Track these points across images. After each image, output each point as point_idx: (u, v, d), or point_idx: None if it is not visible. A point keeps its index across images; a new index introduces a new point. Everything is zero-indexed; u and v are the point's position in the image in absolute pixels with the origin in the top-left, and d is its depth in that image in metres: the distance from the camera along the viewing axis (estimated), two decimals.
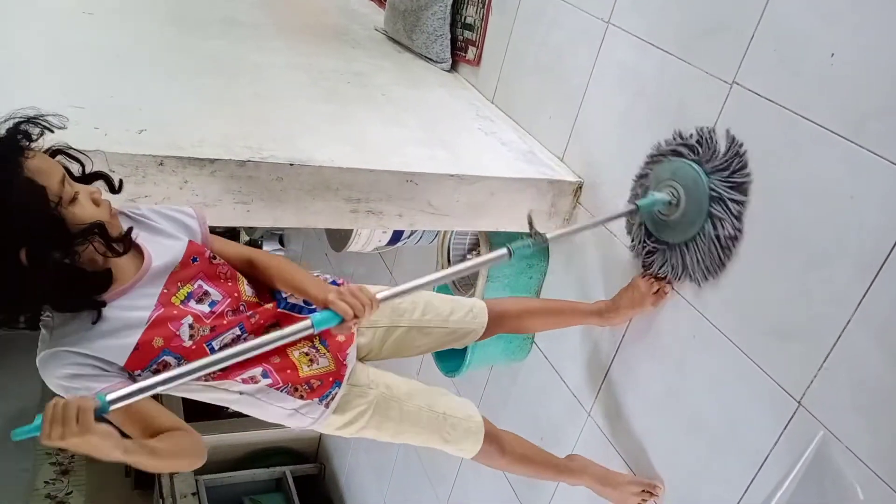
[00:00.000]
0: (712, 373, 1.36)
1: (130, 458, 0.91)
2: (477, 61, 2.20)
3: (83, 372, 1.00)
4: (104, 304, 1.02)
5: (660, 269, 1.43)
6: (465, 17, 2.26)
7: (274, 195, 1.42)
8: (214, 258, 1.18)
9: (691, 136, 1.37)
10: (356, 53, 2.27)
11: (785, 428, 1.21)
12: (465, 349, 1.75)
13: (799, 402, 1.18)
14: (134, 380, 1.02)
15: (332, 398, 1.23)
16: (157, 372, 1.04)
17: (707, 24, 1.37)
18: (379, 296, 1.09)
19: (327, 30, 2.47)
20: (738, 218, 1.28)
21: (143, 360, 1.04)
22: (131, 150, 1.29)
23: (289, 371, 1.18)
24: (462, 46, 2.29)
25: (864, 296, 1.09)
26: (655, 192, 1.39)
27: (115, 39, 1.85)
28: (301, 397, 1.19)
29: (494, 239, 1.81)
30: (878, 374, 1.07)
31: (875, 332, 1.07)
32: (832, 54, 1.14)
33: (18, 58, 1.58)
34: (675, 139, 1.42)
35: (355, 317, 1.04)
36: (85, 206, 0.99)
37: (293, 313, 1.21)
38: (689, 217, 1.34)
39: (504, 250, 1.20)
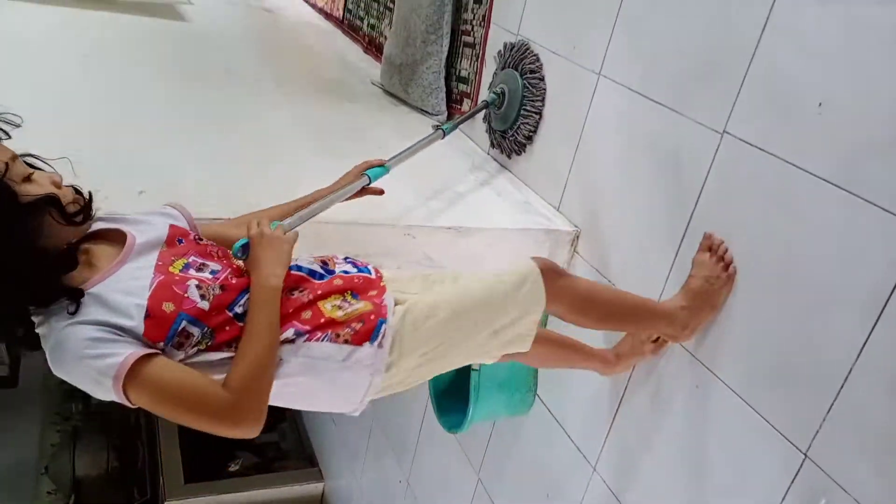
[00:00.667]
0: (718, 424, 1.34)
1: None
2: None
3: (106, 336, 0.94)
4: (81, 292, 0.98)
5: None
6: (460, 71, 2.30)
7: None
8: (201, 239, 1.16)
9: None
10: (354, 107, 2.31)
11: (792, 482, 1.18)
12: (465, 406, 1.74)
13: (805, 454, 1.16)
14: (164, 353, 0.99)
15: (383, 336, 1.12)
16: (180, 345, 1.00)
17: (696, 74, 1.39)
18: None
19: (326, 83, 2.52)
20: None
21: (160, 329, 0.98)
22: (130, 209, 1.29)
23: (323, 320, 1.11)
24: (457, 99, 2.33)
25: (866, 340, 1.08)
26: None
27: (113, 89, 1.90)
28: (346, 342, 1.10)
29: None
30: (883, 421, 1.05)
31: (879, 378, 1.06)
32: (819, 104, 1.15)
33: (12, 107, 1.60)
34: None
35: None
36: (42, 185, 0.99)
37: (309, 277, 1.17)
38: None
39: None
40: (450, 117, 2.36)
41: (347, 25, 3.32)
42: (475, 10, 2.19)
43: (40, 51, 2.10)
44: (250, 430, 1.01)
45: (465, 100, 2.27)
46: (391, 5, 2.74)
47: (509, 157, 2.00)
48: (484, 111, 2.06)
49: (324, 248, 1.46)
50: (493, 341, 1.21)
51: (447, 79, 2.34)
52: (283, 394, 1.09)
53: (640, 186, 1.52)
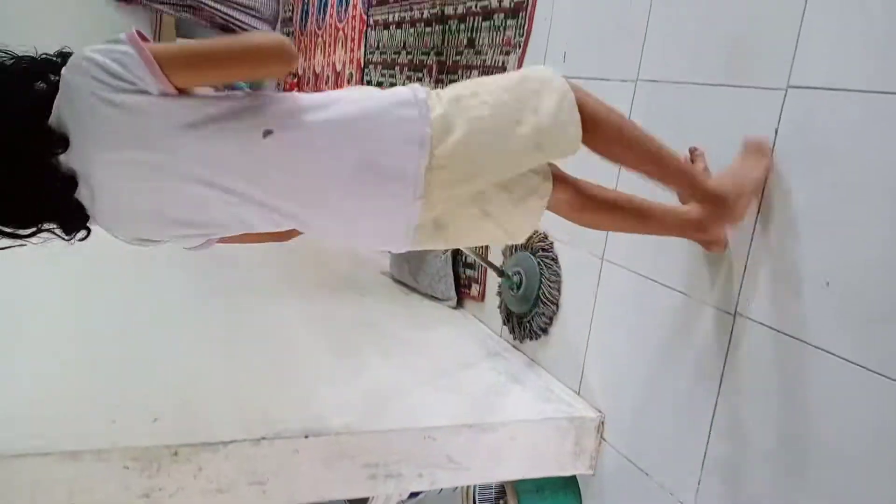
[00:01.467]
0: None
1: None
2: (481, 297, 2.27)
3: None
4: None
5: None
6: (466, 257, 2.37)
7: (289, 470, 1.38)
8: None
9: None
10: (366, 301, 2.35)
11: None
12: None
13: None
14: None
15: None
16: None
17: (700, 257, 1.43)
18: None
19: (337, 280, 2.59)
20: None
21: None
22: (146, 441, 1.28)
23: None
24: (466, 283, 2.38)
25: None
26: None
27: (128, 308, 1.94)
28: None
29: (521, 486, 1.73)
30: None
31: None
32: (827, 283, 1.17)
33: (28, 334, 1.64)
34: None
35: None
36: None
37: None
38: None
39: None
40: (459, 302, 2.40)
41: None
42: None
43: (41, 281, 2.19)
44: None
45: (474, 284, 2.32)
46: None
47: (521, 341, 2.00)
48: (499, 287, 2.10)
49: (344, 462, 1.42)
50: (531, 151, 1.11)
51: (454, 265, 2.41)
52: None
53: (660, 369, 1.50)
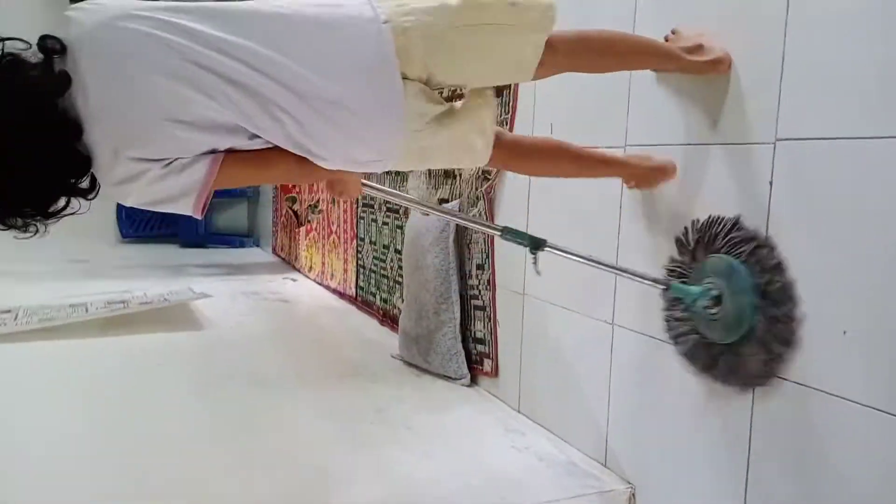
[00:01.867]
0: None
1: None
2: (494, 372, 2.24)
3: None
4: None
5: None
6: (475, 332, 2.35)
7: None
8: None
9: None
10: (377, 388, 2.31)
11: None
12: None
13: None
14: None
15: None
16: None
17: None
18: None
19: (346, 367, 2.56)
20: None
21: None
22: None
23: None
24: (477, 360, 2.34)
25: None
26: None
27: (132, 405, 1.92)
28: None
29: None
30: None
31: None
32: (844, 332, 1.15)
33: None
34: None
35: None
36: None
37: None
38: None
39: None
40: (473, 379, 2.36)
41: (361, 301, 3.48)
42: (479, 276, 2.31)
43: (47, 385, 2.17)
44: None
45: (486, 360, 2.29)
46: (400, 280, 2.90)
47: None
48: None
49: None
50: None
51: (464, 342, 2.38)
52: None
53: (687, 433, 1.46)
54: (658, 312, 1.54)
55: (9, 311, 2.89)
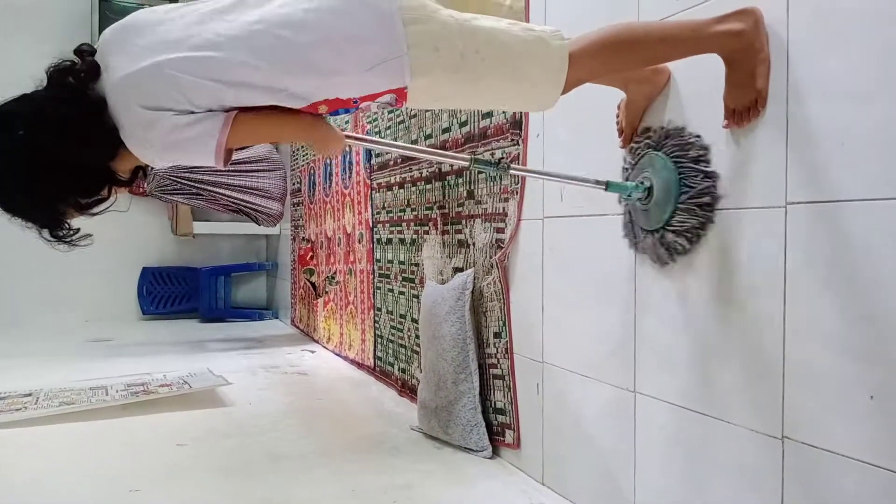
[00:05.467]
0: None
1: None
2: (517, 444, 2.19)
3: None
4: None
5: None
6: (495, 402, 2.32)
7: None
8: None
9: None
10: (398, 462, 2.27)
11: None
12: None
13: None
14: None
15: None
16: None
17: (735, 382, 1.38)
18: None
19: (367, 442, 2.52)
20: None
21: None
22: None
23: None
24: (499, 431, 2.30)
25: None
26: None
27: (158, 493, 1.88)
28: None
29: None
30: None
31: None
32: (871, 396, 1.12)
33: None
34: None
35: None
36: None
37: None
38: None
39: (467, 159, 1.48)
40: (495, 451, 2.31)
41: (379, 371, 3.46)
42: (496, 345, 2.29)
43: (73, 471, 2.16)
44: None
45: (508, 431, 2.25)
46: (417, 349, 2.89)
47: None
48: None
49: None
50: None
51: (484, 413, 2.35)
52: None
53: (710, 485, 1.41)
54: (680, 379, 1.51)
55: (29, 395, 2.91)
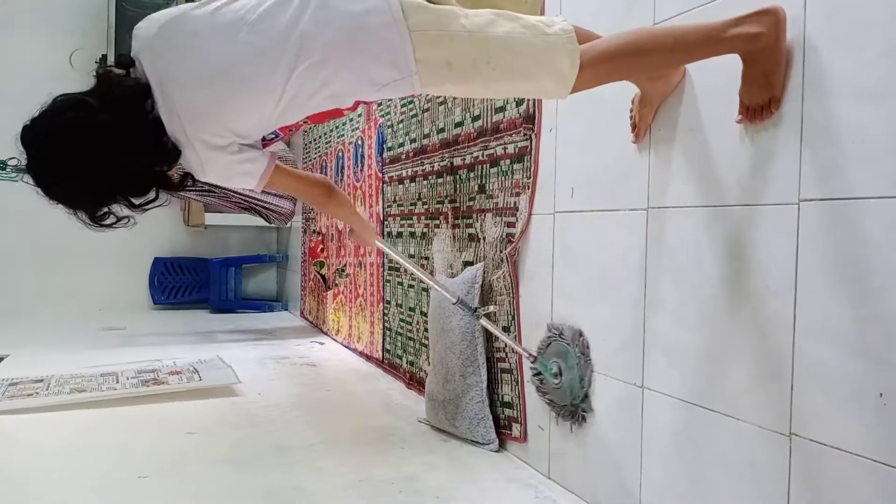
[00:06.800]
0: None
1: None
2: (523, 437, 2.20)
3: None
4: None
5: None
6: (503, 396, 2.32)
7: None
8: None
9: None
10: (404, 454, 2.28)
11: None
12: None
13: None
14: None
15: None
16: None
17: (747, 379, 1.38)
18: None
19: (374, 433, 2.53)
20: None
21: None
22: None
23: None
24: (506, 424, 2.31)
25: None
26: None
27: (167, 481, 1.89)
28: None
29: None
30: None
31: None
32: (881, 394, 1.11)
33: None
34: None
35: None
36: None
37: None
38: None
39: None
40: (501, 444, 2.32)
41: (388, 364, 3.47)
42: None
43: (76, 454, 2.18)
44: None
45: (514, 424, 2.25)
46: (426, 342, 2.90)
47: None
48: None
49: None
50: None
51: (492, 406, 2.35)
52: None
53: (720, 500, 1.41)
54: (688, 375, 1.51)
55: (41, 381, 2.95)
